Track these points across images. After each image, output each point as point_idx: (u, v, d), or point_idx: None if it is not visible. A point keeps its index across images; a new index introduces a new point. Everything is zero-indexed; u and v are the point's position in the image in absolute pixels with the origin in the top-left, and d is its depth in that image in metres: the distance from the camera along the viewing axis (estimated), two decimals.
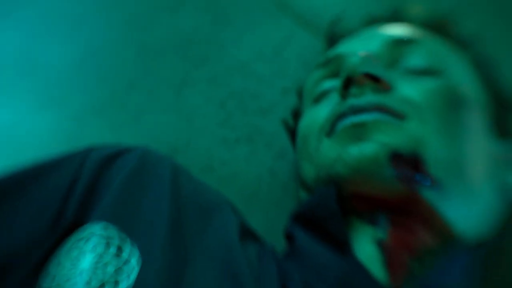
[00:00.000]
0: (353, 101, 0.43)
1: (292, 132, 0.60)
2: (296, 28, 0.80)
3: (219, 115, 0.70)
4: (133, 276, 0.35)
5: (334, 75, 0.51)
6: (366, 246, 0.40)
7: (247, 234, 0.44)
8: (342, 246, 0.41)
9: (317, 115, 0.48)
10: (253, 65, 0.76)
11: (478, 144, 0.44)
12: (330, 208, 0.41)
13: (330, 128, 0.44)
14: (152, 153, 0.46)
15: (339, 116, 0.43)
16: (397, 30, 0.51)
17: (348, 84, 0.44)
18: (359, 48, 0.49)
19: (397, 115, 0.42)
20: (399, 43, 0.49)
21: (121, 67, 0.72)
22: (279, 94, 0.73)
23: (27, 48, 0.72)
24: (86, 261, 0.36)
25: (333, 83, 0.50)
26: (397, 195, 0.40)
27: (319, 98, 0.50)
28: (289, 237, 0.46)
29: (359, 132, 0.41)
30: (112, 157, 0.44)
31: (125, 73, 0.72)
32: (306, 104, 0.53)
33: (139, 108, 0.69)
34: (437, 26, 0.53)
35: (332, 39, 0.59)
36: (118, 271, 0.35)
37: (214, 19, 0.81)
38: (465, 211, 0.41)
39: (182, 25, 0.79)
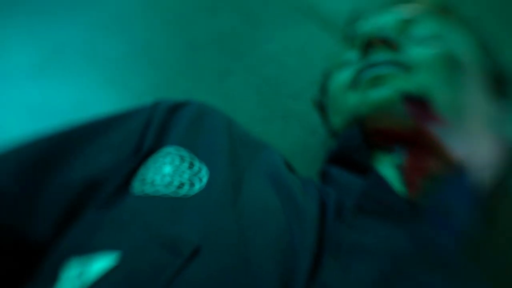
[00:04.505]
0: (371, 59, 0.53)
1: (320, 106, 0.70)
2: (319, 28, 0.92)
3: (256, 98, 0.80)
4: (205, 180, 0.45)
5: (352, 46, 0.61)
6: (387, 170, 0.49)
7: (290, 168, 0.53)
8: (368, 172, 0.50)
9: (341, 77, 0.58)
10: (283, 58, 0.87)
11: (474, 97, 0.53)
12: (356, 141, 0.51)
13: (354, 81, 0.54)
14: (207, 105, 0.56)
15: (361, 71, 0.53)
16: (406, 9, 0.61)
17: (367, 46, 0.54)
18: (373, 23, 0.59)
19: (406, 68, 0.51)
20: (407, 19, 0.59)
21: (170, 58, 0.84)
22: (307, 83, 0.83)
23: (91, 40, 0.85)
24: (167, 169, 0.46)
25: (351, 53, 0.60)
26: (409, 130, 0.49)
27: (341, 65, 0.60)
28: (323, 175, 0.55)
29: (377, 82, 0.51)
30: (176, 106, 0.55)
31: (174, 63, 0.83)
32: (333, 72, 0.63)
33: (187, 92, 0.80)
34: (440, 8, 0.63)
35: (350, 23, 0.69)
36: (192, 177, 0.45)
37: (248, 20, 0.92)
38: (467, 147, 0.50)
39: (220, 24, 0.91)
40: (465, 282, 0.40)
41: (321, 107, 0.70)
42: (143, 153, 0.49)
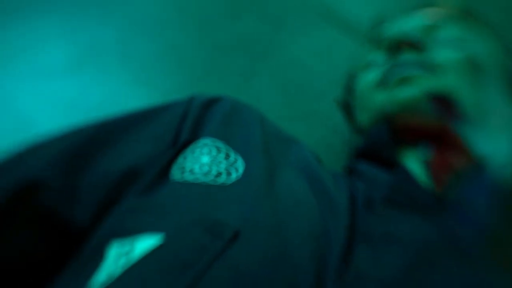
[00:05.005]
0: (399, 60, 0.56)
1: (345, 105, 0.72)
2: (340, 32, 0.94)
3: (281, 99, 0.82)
4: (241, 170, 0.47)
5: (377, 48, 0.63)
6: (412, 165, 0.51)
7: (319, 162, 0.56)
8: (394, 167, 0.52)
9: (369, 76, 0.60)
10: (306, 60, 0.90)
11: (496, 98, 0.55)
12: (383, 138, 0.53)
13: (382, 81, 0.56)
14: (240, 101, 0.59)
15: (389, 72, 0.56)
16: (429, 13, 0.63)
17: (394, 48, 0.57)
18: (399, 26, 0.62)
19: (432, 70, 0.54)
20: (431, 24, 0.61)
21: (198, 59, 0.87)
22: (329, 84, 0.85)
23: (123, 39, 0.88)
24: (205, 159, 0.48)
25: (377, 54, 0.62)
26: (434, 127, 0.52)
27: (367, 66, 0.63)
28: (350, 170, 0.57)
29: (405, 82, 0.53)
30: (210, 101, 0.57)
31: (201, 64, 0.86)
32: (358, 73, 0.66)
33: (214, 92, 0.82)
34: (463, 12, 0.65)
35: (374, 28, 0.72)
36: (228, 167, 0.48)
37: (271, 24, 0.95)
38: (489, 145, 0.52)
39: (245, 28, 0.94)
40: (486, 272, 0.42)
41: (346, 106, 0.72)
42: (180, 144, 0.51)
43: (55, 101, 0.81)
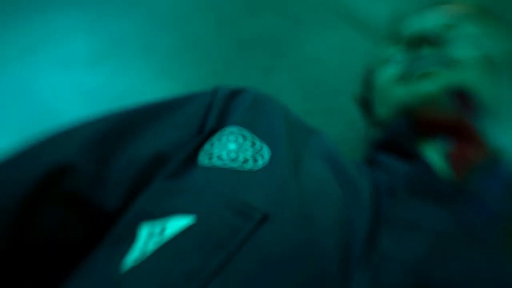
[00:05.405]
0: (419, 56, 0.57)
1: (362, 100, 0.73)
2: (356, 31, 0.96)
3: (299, 94, 0.84)
4: (267, 157, 0.49)
5: (395, 44, 0.65)
6: (433, 156, 0.53)
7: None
8: (414, 158, 0.53)
9: (389, 71, 0.62)
10: (324, 57, 0.91)
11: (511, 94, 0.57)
12: (403, 130, 0.55)
13: (403, 76, 0.58)
14: (263, 92, 0.60)
15: (410, 67, 0.57)
16: (447, 11, 0.65)
17: (415, 44, 0.58)
18: (419, 23, 0.63)
19: (451, 66, 0.55)
20: (449, 22, 0.62)
21: (219, 54, 0.89)
22: (346, 80, 0.87)
23: (146, 33, 0.90)
24: (232, 146, 0.50)
25: (395, 50, 0.64)
26: (453, 121, 0.54)
27: (385, 61, 0.64)
28: (370, 162, 0.59)
29: (425, 77, 0.55)
30: (235, 92, 0.59)
31: (222, 58, 0.88)
32: (377, 68, 0.67)
33: (234, 85, 0.84)
34: (480, 10, 0.67)
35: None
36: (255, 154, 0.49)
37: (290, 22, 0.97)
38: (505, 139, 0.54)
39: (264, 26, 0.96)
40: (502, 260, 0.43)
41: (363, 101, 0.73)
42: (206, 132, 0.53)
43: (78, 92, 0.83)
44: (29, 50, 0.88)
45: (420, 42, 0.58)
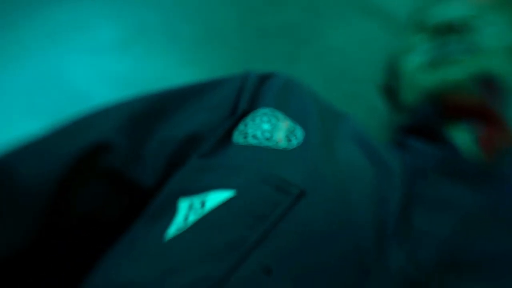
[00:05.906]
0: (446, 43, 0.59)
1: (386, 87, 0.75)
2: (379, 23, 0.97)
3: (322, 82, 0.85)
4: (300, 137, 0.50)
5: (420, 32, 0.66)
6: (461, 140, 0.55)
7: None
8: (441, 141, 0.55)
9: (416, 58, 0.63)
10: (346, 47, 0.93)
11: None
12: (431, 115, 0.56)
13: (431, 63, 0.59)
14: (292, 76, 0.62)
15: (437, 54, 0.59)
16: (472, 1, 0.66)
17: (442, 32, 0.60)
18: (444, 12, 0.65)
19: (478, 53, 0.57)
20: (473, 12, 0.64)
21: (243, 43, 0.90)
22: (367, 70, 0.88)
23: (171, 21, 0.92)
24: (266, 126, 0.51)
25: (420, 38, 0.65)
26: (479, 107, 0.56)
27: (411, 49, 0.65)
28: (398, 145, 0.60)
29: (452, 63, 0.57)
30: (265, 77, 0.60)
31: (246, 47, 0.90)
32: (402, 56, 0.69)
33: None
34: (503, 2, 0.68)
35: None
36: (288, 134, 0.51)
37: (312, 13, 0.98)
38: None
39: (287, 16, 0.98)
40: None
41: (387, 88, 0.75)
42: (239, 114, 0.54)
43: (105, 77, 0.85)
44: (59, 37, 0.90)
45: (447, 30, 0.60)
